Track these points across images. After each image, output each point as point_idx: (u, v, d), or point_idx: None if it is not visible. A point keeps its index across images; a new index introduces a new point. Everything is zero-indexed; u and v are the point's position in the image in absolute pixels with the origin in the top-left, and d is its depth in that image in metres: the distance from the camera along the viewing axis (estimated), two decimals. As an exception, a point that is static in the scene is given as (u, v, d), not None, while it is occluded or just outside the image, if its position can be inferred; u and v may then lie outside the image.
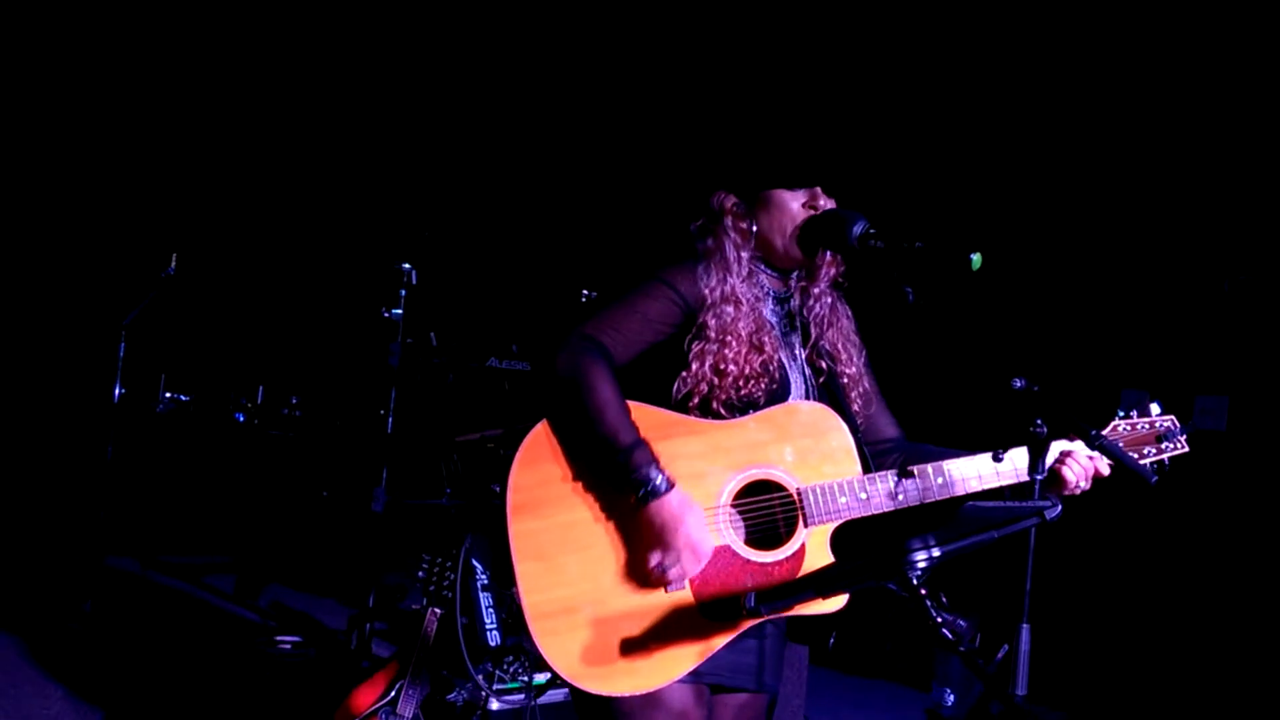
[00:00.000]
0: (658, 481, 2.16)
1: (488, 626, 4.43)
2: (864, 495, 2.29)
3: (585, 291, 5.08)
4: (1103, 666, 5.97)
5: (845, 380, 2.47)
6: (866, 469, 2.32)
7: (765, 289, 2.45)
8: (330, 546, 6.90)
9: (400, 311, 5.34)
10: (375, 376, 5.58)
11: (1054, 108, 6.37)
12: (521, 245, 8.36)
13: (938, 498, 2.31)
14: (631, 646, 2.18)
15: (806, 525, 2.28)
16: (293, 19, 7.70)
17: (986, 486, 2.32)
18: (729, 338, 2.30)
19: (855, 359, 2.51)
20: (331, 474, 7.10)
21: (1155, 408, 2.45)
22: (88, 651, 5.08)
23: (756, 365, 2.32)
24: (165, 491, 7.46)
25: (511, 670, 4.23)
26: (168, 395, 6.88)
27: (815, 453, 2.31)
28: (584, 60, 7.75)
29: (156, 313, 5.69)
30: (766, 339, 2.35)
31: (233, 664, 5.17)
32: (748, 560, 2.26)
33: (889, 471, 2.31)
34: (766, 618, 2.20)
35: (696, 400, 2.31)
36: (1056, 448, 2.36)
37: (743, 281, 2.38)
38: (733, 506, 2.29)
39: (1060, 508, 1.91)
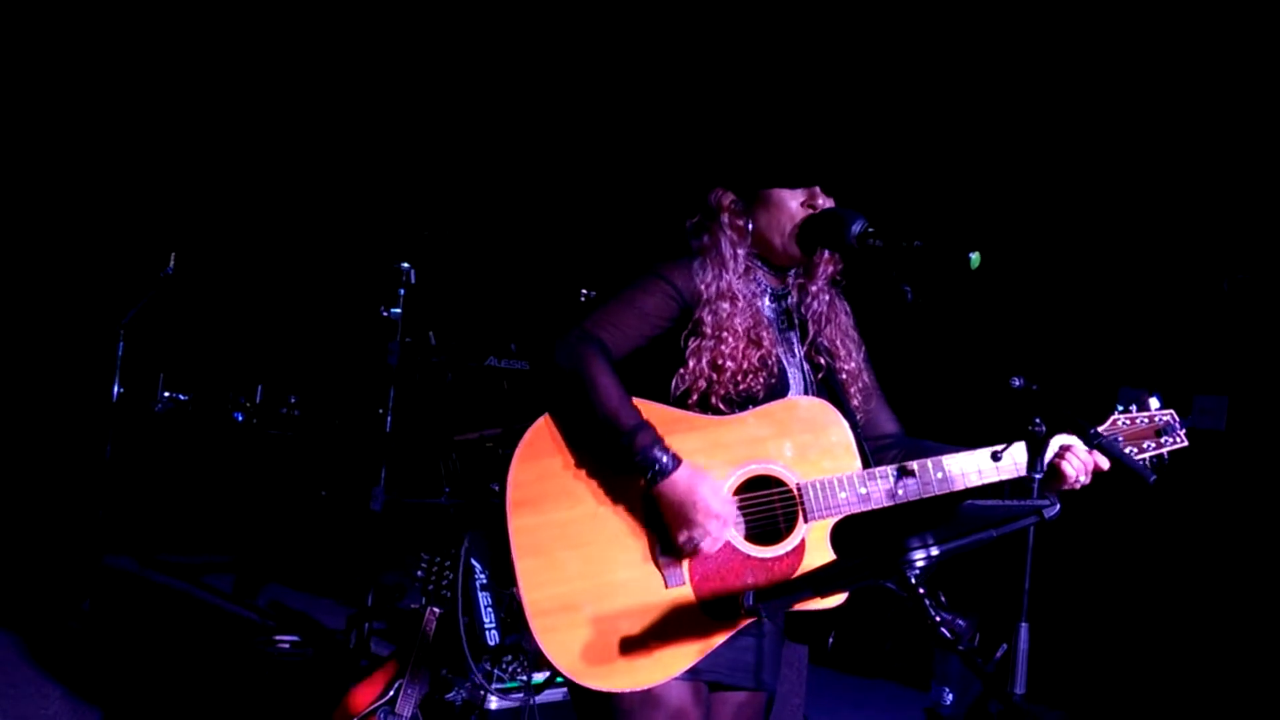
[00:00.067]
0: (665, 460, 2.17)
1: (486, 625, 4.43)
2: (863, 490, 2.29)
3: (584, 291, 5.08)
4: (1101, 665, 5.97)
5: (844, 376, 2.48)
6: (866, 464, 2.33)
7: (762, 286, 2.45)
8: (329, 546, 6.89)
9: (399, 311, 5.34)
10: (374, 376, 5.58)
11: (1053, 107, 6.37)
12: (520, 245, 8.36)
13: (937, 493, 2.31)
14: (631, 643, 2.19)
15: (806, 520, 2.28)
16: (292, 19, 7.69)
17: (986, 481, 2.33)
18: (725, 333, 2.31)
19: (854, 355, 2.51)
20: (330, 473, 7.10)
21: (1154, 402, 2.46)
22: (86, 651, 5.07)
23: (754, 360, 2.32)
24: (164, 491, 7.46)
25: (510, 669, 4.23)
26: (166, 394, 6.88)
27: (815, 448, 2.32)
28: (583, 60, 7.75)
29: (155, 312, 5.69)
30: (764, 334, 2.36)
31: (231, 663, 5.17)
32: (748, 555, 2.26)
33: (888, 467, 2.32)
34: (765, 616, 2.20)
35: (695, 397, 2.31)
36: (1056, 442, 2.36)
37: (739, 278, 2.38)
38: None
39: (1059, 506, 1.91)
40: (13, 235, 7.52)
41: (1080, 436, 2.19)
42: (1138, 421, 2.45)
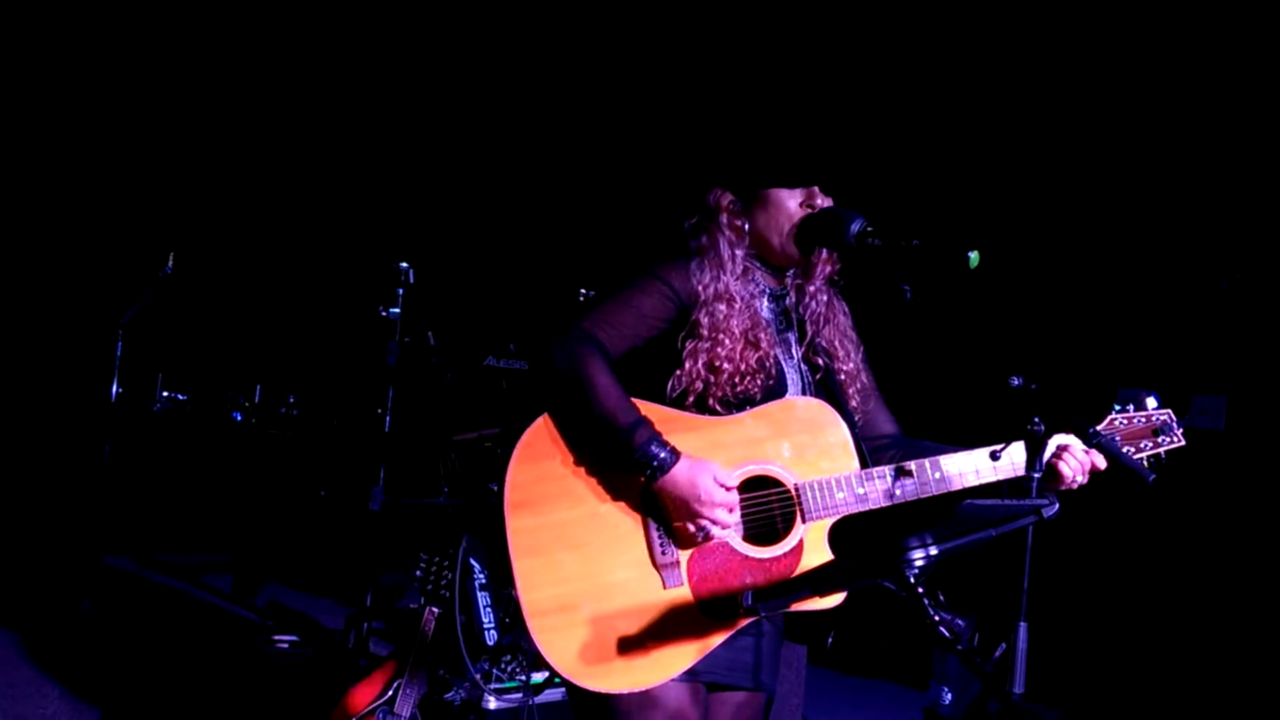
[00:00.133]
0: (663, 455, 2.17)
1: (485, 625, 4.43)
2: (861, 491, 2.29)
3: (583, 290, 5.08)
4: (1100, 665, 5.98)
5: (842, 377, 2.48)
6: (864, 465, 2.33)
7: (760, 286, 2.45)
8: (328, 546, 6.89)
9: (398, 310, 5.34)
10: (373, 375, 5.58)
11: (1052, 106, 6.37)
12: (519, 244, 8.36)
13: (935, 493, 2.31)
14: (629, 644, 2.19)
15: (804, 521, 2.28)
16: (291, 18, 7.69)
17: (983, 481, 2.33)
18: (721, 335, 2.31)
19: (853, 355, 2.51)
20: (329, 473, 7.10)
21: (1152, 401, 2.46)
22: (85, 650, 5.07)
23: (752, 361, 2.32)
24: (162, 491, 7.45)
25: (509, 669, 4.23)
26: (165, 394, 6.88)
27: (813, 448, 2.32)
28: (582, 59, 7.75)
29: (154, 312, 5.69)
30: (762, 335, 2.35)
31: (230, 663, 5.17)
32: (746, 556, 2.26)
33: (886, 467, 2.32)
34: (764, 616, 2.20)
35: (692, 398, 2.31)
36: (1053, 442, 2.36)
37: (737, 279, 2.38)
38: (730, 502, 2.29)
39: (1057, 506, 1.91)
40: (12, 235, 7.51)
41: (1079, 435, 2.19)
42: (1135, 421, 2.45)
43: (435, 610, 3.73)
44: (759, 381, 2.32)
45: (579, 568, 2.21)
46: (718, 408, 2.30)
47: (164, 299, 5.66)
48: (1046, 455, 2.27)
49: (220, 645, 5.44)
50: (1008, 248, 6.06)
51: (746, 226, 2.42)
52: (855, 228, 2.28)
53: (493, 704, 4.04)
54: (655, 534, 2.23)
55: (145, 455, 7.17)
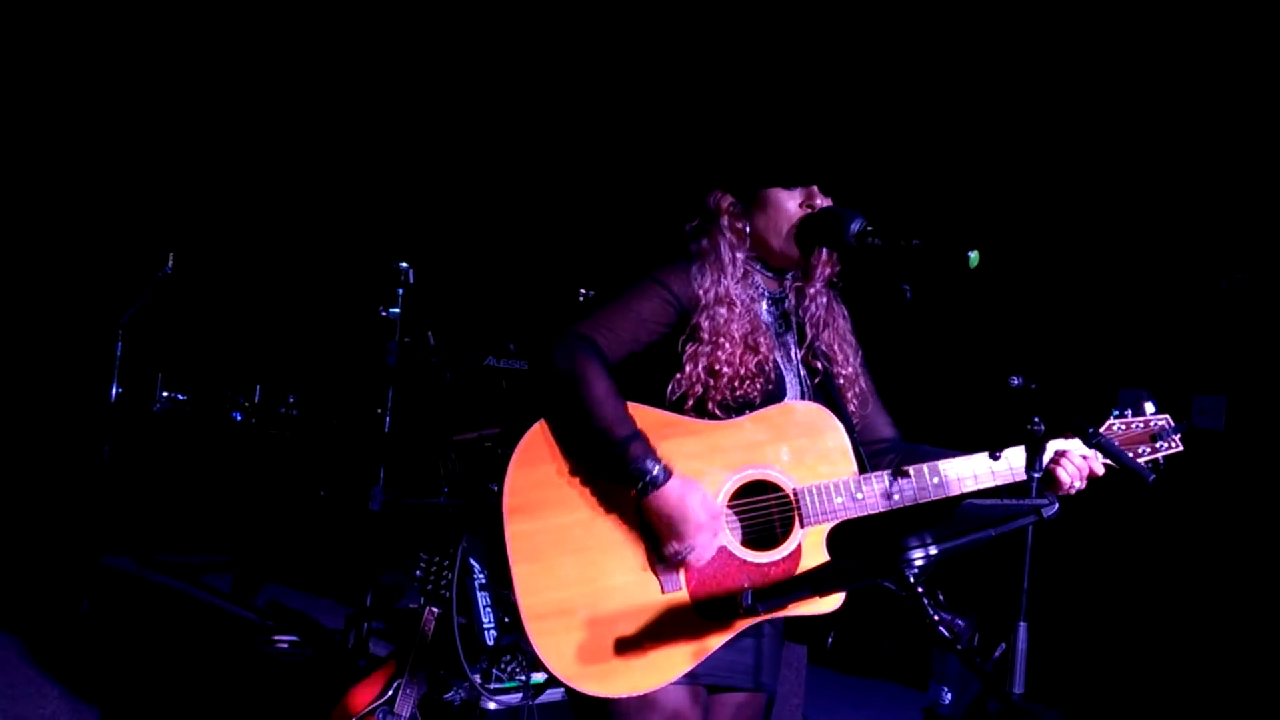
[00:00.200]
0: (655, 472, 2.16)
1: (485, 625, 4.43)
2: (860, 495, 2.29)
3: (582, 290, 5.08)
4: (1100, 665, 5.97)
5: (841, 381, 2.47)
6: (863, 469, 2.32)
7: (760, 290, 2.45)
8: (328, 546, 6.89)
9: (398, 310, 5.34)
10: (373, 375, 5.57)
11: (1052, 106, 6.37)
12: (519, 244, 8.36)
13: (933, 498, 2.31)
14: (627, 648, 2.18)
15: (803, 526, 2.28)
16: (290, 18, 7.69)
17: (982, 486, 2.33)
18: (722, 339, 2.30)
19: (851, 359, 2.51)
20: (329, 473, 7.09)
21: (1150, 406, 2.46)
22: (84, 651, 5.07)
23: (751, 366, 2.32)
24: (162, 491, 7.45)
25: (509, 669, 4.22)
26: (165, 394, 6.88)
27: (811, 453, 2.31)
28: (581, 60, 7.75)
29: (153, 312, 5.68)
30: (762, 340, 2.35)
31: (230, 663, 5.17)
32: (744, 561, 2.26)
33: (885, 472, 2.31)
34: (763, 616, 2.20)
35: (691, 402, 2.31)
36: (1051, 447, 2.36)
37: (737, 283, 2.37)
38: (729, 507, 2.29)
39: (1057, 506, 1.91)
40: (11, 235, 7.51)
41: (1079, 436, 2.19)
42: (1133, 426, 2.45)
43: (435, 610, 3.73)
44: (758, 386, 2.32)
45: (577, 572, 2.20)
46: (717, 411, 2.30)
47: (164, 299, 5.66)
48: (1045, 459, 2.28)
49: (220, 645, 5.44)
50: (1008, 247, 6.06)
51: (747, 229, 2.41)
52: (855, 227, 2.28)
53: (492, 705, 4.04)
54: (653, 539, 2.23)
55: (145, 455, 7.17)
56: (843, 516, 2.29)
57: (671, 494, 2.17)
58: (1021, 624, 2.03)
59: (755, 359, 2.32)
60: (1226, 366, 5.85)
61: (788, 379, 2.40)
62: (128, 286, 5.72)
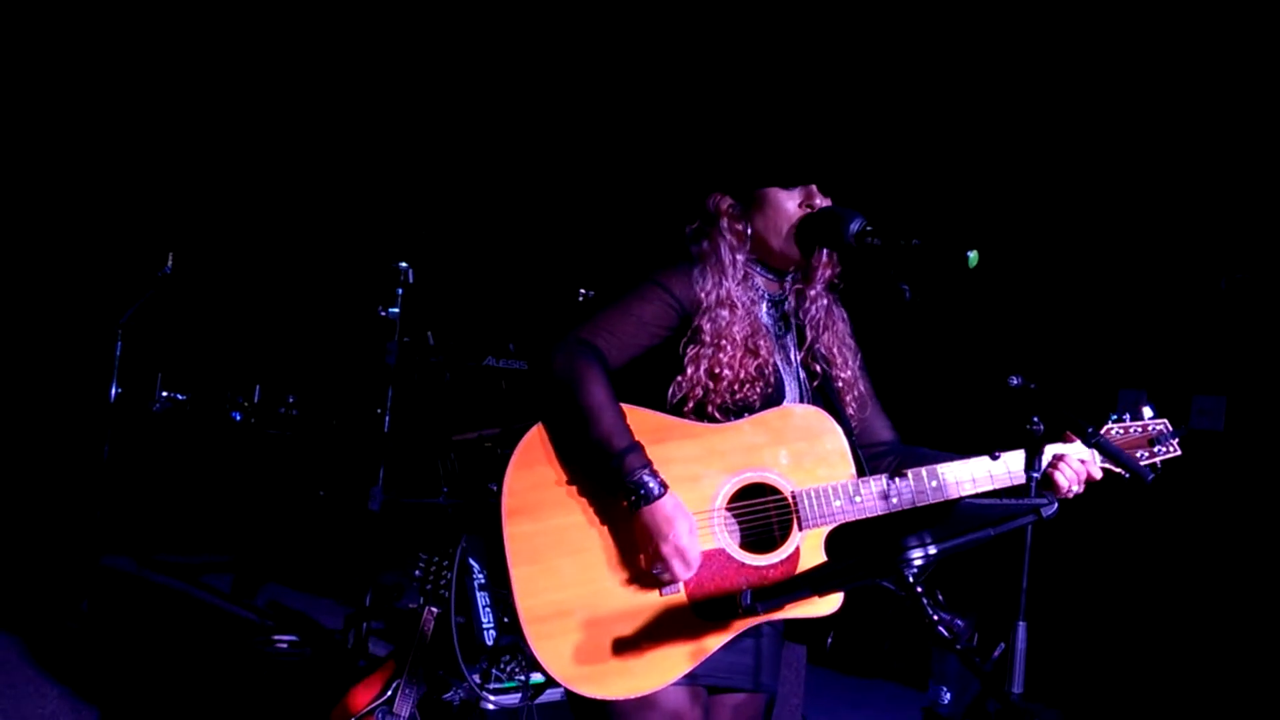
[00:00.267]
0: (651, 486, 2.16)
1: (484, 625, 4.42)
2: (858, 498, 2.29)
3: (582, 290, 5.08)
4: (1099, 665, 5.98)
5: (840, 384, 2.47)
6: (861, 472, 2.32)
7: (760, 291, 2.44)
8: (327, 545, 6.89)
9: (397, 310, 5.34)
10: (372, 375, 5.57)
11: (1052, 106, 6.37)
12: (519, 244, 8.36)
13: (931, 501, 2.31)
14: (626, 649, 2.18)
15: (801, 528, 2.28)
16: (290, 18, 7.69)
17: (980, 490, 2.33)
18: (724, 342, 2.30)
19: (850, 362, 2.50)
20: (328, 473, 7.09)
21: (1148, 411, 2.46)
22: (84, 651, 5.07)
23: (751, 369, 2.31)
24: (162, 491, 7.45)
25: (509, 669, 4.22)
26: (164, 394, 6.87)
27: (810, 456, 2.31)
28: (580, 60, 7.75)
29: (153, 312, 5.68)
30: (762, 343, 2.35)
31: (229, 663, 5.17)
32: (742, 563, 2.26)
33: (883, 475, 2.32)
34: (763, 616, 2.20)
35: (691, 404, 2.31)
36: (1049, 451, 2.36)
37: (738, 285, 2.37)
38: (727, 510, 2.29)
39: (1056, 505, 1.91)
40: (11, 235, 7.51)
41: (1078, 435, 2.19)
42: (1131, 431, 2.45)
43: (434, 610, 3.73)
44: (757, 389, 2.32)
45: (576, 574, 2.20)
46: (716, 414, 2.30)
47: (163, 299, 5.66)
48: (1044, 463, 2.28)
49: (220, 645, 5.44)
50: (1007, 247, 6.06)
51: (747, 230, 2.41)
52: (854, 227, 2.27)
53: (491, 705, 4.04)
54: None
55: (145, 455, 7.17)
56: (841, 519, 2.29)
57: (663, 510, 2.16)
58: (1020, 624, 2.03)
59: (755, 362, 2.32)
60: (1226, 367, 5.85)
61: (787, 382, 2.40)
62: (127, 286, 5.72)
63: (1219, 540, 5.76)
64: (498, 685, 4.14)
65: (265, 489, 7.44)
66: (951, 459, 2.36)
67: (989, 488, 2.33)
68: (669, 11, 7.21)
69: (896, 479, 2.30)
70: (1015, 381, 2.06)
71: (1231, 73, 5.73)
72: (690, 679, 2.22)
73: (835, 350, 2.48)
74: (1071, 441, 2.40)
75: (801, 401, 2.41)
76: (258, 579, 6.65)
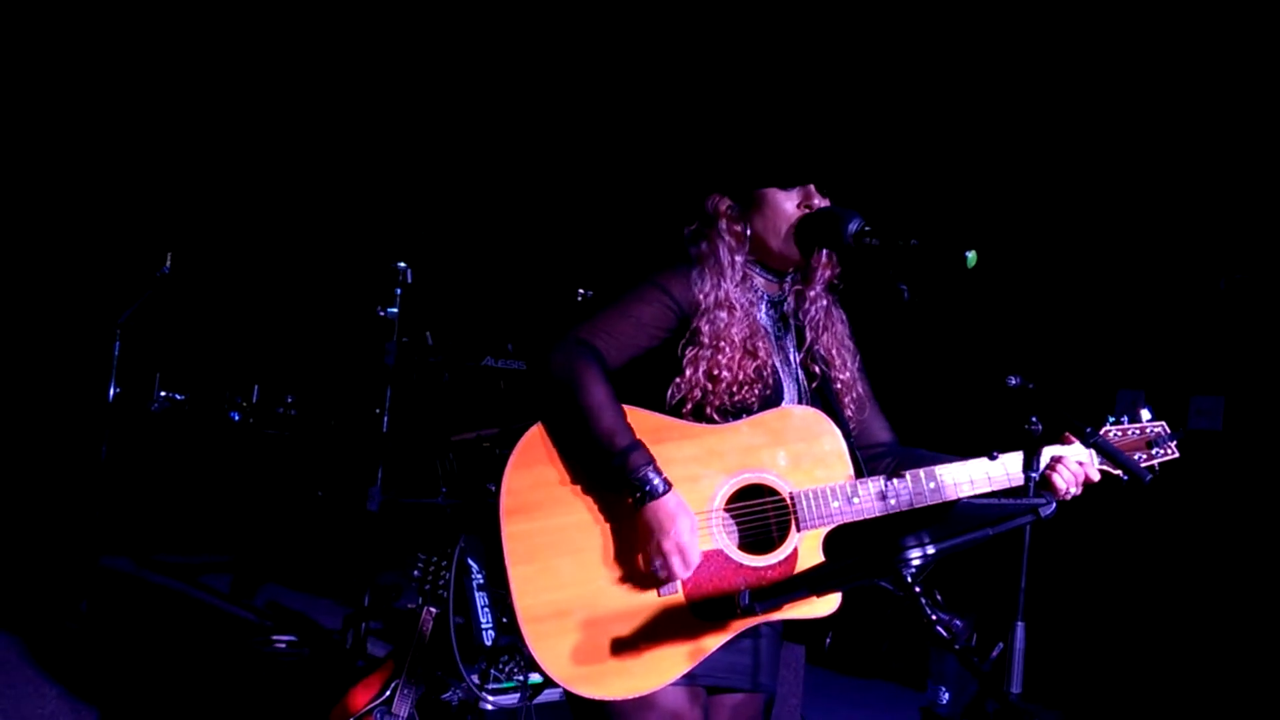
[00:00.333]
0: (655, 483, 2.16)
1: (483, 626, 4.42)
2: (856, 500, 2.29)
3: (581, 290, 5.08)
4: (1098, 665, 5.98)
5: (839, 385, 2.47)
6: (859, 473, 2.32)
7: (759, 293, 2.44)
8: (326, 546, 6.89)
9: (396, 310, 5.33)
10: (371, 375, 5.57)
11: (1051, 106, 6.38)
12: (518, 244, 8.36)
13: (929, 502, 2.31)
14: (624, 649, 2.18)
15: (799, 529, 2.28)
16: (289, 18, 7.69)
17: (978, 491, 2.33)
18: (722, 343, 2.30)
19: (849, 364, 2.50)
20: (327, 473, 7.09)
21: (1146, 413, 2.46)
22: (83, 651, 5.07)
23: (750, 371, 2.31)
24: (160, 491, 7.45)
25: (507, 670, 4.22)
26: (162, 394, 6.86)
27: (808, 457, 2.31)
28: (580, 61, 7.75)
29: (151, 312, 5.69)
30: (761, 344, 2.35)
31: (228, 663, 5.16)
32: (740, 564, 2.26)
33: (880, 476, 2.32)
34: (761, 617, 2.20)
35: (690, 406, 2.31)
36: (1047, 453, 2.37)
37: (736, 286, 2.37)
38: (726, 511, 2.29)
39: (1055, 505, 1.92)
40: (9, 235, 7.51)
41: (1077, 436, 2.19)
42: (1129, 433, 2.45)
43: (433, 610, 3.73)
44: (756, 391, 2.32)
45: (574, 574, 2.20)
46: (715, 416, 2.30)
47: (162, 299, 5.66)
48: (1041, 465, 2.28)
49: (218, 645, 5.44)
50: (1006, 247, 6.06)
51: (746, 231, 2.41)
52: (853, 227, 2.28)
53: (489, 705, 4.04)
54: (650, 541, 2.23)
55: (143, 455, 7.17)
56: (839, 521, 2.29)
57: (666, 507, 2.17)
58: (1019, 624, 2.04)
59: (754, 364, 2.32)
60: (1225, 367, 5.85)
61: (785, 383, 2.40)
62: (126, 286, 5.72)
63: (1218, 540, 5.76)
64: (496, 685, 4.14)
65: (264, 489, 7.44)
66: (950, 460, 2.36)
67: (987, 489, 2.33)
68: (668, 12, 7.21)
69: (894, 480, 2.30)
70: (1013, 382, 2.07)
71: (1231, 73, 5.73)
72: (689, 679, 2.22)
73: (834, 352, 2.48)
74: (1070, 443, 2.40)
75: (800, 403, 2.41)
76: (256, 579, 6.65)
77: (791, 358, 2.46)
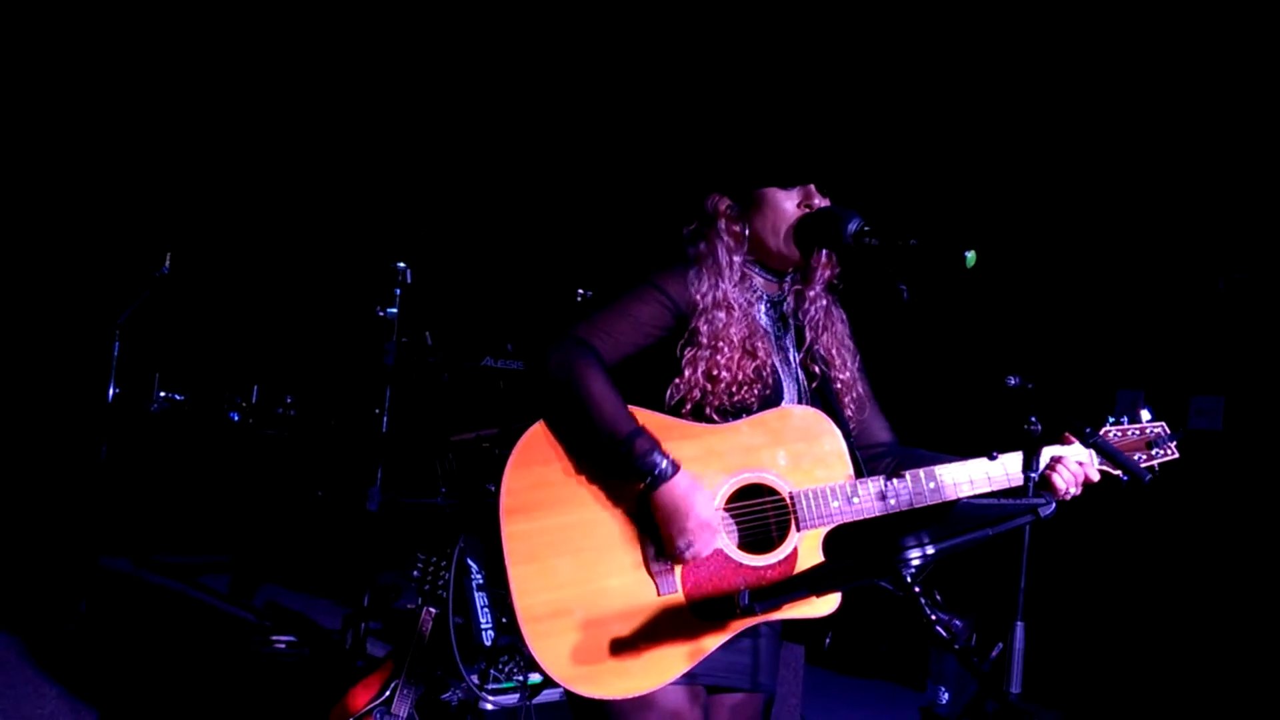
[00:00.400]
0: (664, 465, 2.17)
1: (483, 626, 4.42)
2: (855, 500, 2.29)
3: (580, 290, 5.08)
4: (1097, 665, 5.98)
5: (839, 385, 2.47)
6: (859, 473, 2.32)
7: (759, 292, 2.44)
8: (325, 546, 6.89)
9: (395, 310, 5.34)
10: (370, 376, 5.57)
11: (1050, 106, 6.38)
12: (517, 244, 8.36)
13: (928, 502, 2.31)
14: (623, 649, 2.18)
15: (799, 529, 2.28)
16: (288, 18, 7.69)
17: (977, 491, 2.33)
18: (721, 343, 2.30)
19: (849, 364, 2.50)
20: (326, 473, 7.09)
21: (1146, 414, 2.46)
22: (83, 651, 5.07)
23: (750, 371, 2.31)
24: (160, 491, 7.45)
25: (507, 670, 4.22)
26: (162, 394, 6.87)
27: (808, 457, 2.31)
28: (579, 61, 7.75)
29: (151, 312, 5.68)
30: (760, 344, 2.35)
31: (228, 664, 5.16)
32: (740, 564, 2.26)
33: (880, 476, 2.32)
34: (761, 617, 2.20)
35: (689, 406, 2.31)
36: (1047, 453, 2.37)
37: (735, 286, 2.37)
38: (725, 510, 2.29)
39: (1054, 505, 1.92)
40: (8, 235, 7.51)
41: (1076, 436, 2.19)
42: (1129, 434, 2.45)
43: (432, 610, 3.73)
44: (755, 391, 2.32)
45: (574, 573, 2.20)
46: (714, 416, 2.30)
47: (161, 299, 5.66)
48: (1041, 465, 2.28)
49: (218, 646, 5.44)
50: (1005, 247, 6.06)
51: (746, 231, 2.41)
52: (852, 227, 2.27)
53: (489, 705, 4.04)
54: (650, 540, 2.23)
55: (142, 456, 7.17)
56: (838, 520, 2.29)
57: (679, 487, 2.17)
58: (1019, 624, 2.04)
59: (753, 364, 2.32)
60: (1224, 367, 5.85)
61: (785, 383, 2.40)
62: (125, 287, 5.72)
63: (1217, 540, 5.76)
64: (496, 685, 4.14)
65: (263, 489, 7.43)
66: (949, 460, 2.36)
67: (987, 489, 2.33)
68: (668, 12, 7.21)
69: (894, 480, 2.30)
70: (1013, 382, 2.07)
71: (1231, 73, 5.73)
72: (689, 679, 2.22)
73: (834, 351, 2.48)
74: (1070, 443, 2.40)
75: (800, 403, 2.41)
76: (256, 579, 6.65)
77: (791, 358, 2.45)
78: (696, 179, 2.50)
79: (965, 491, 2.32)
